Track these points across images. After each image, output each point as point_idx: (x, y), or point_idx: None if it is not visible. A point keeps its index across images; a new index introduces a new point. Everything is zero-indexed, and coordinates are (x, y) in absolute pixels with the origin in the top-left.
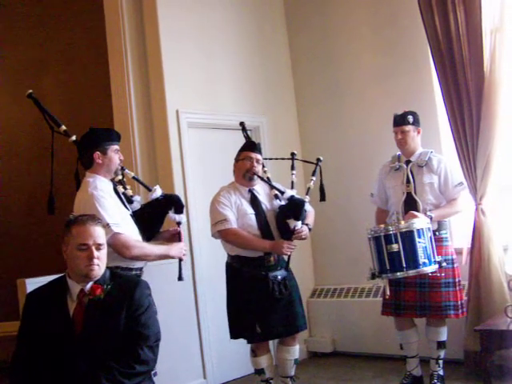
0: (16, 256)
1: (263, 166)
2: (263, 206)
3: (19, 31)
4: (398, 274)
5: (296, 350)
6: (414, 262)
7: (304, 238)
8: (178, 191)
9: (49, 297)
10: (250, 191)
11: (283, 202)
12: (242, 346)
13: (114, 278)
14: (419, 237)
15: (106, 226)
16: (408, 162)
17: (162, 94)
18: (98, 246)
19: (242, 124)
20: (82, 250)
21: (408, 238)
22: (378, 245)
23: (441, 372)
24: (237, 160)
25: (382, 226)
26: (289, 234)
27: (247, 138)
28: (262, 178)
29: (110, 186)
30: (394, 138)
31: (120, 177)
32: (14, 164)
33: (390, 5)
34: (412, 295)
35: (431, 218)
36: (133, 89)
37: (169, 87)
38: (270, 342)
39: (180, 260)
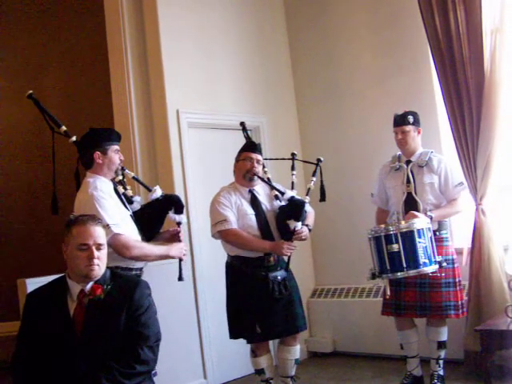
0: (16, 256)
1: (263, 167)
2: (263, 207)
3: (20, 32)
4: (399, 274)
5: (297, 350)
6: (414, 262)
7: (304, 239)
8: (178, 191)
9: (49, 297)
10: (251, 192)
11: (283, 203)
12: (242, 346)
13: (114, 278)
14: (419, 237)
15: (106, 227)
16: (408, 162)
17: (162, 93)
18: (99, 246)
19: (242, 124)
20: (83, 250)
21: (408, 238)
22: (379, 245)
23: (441, 372)
24: (237, 160)
25: (383, 226)
26: (289, 235)
27: (247, 138)
28: (262, 179)
29: (111, 186)
30: (394, 138)
31: (120, 177)
32: (15, 164)
33: (390, 5)
34: (412, 295)
35: (431, 218)
36: (133, 89)
37: (169, 87)
38: (270, 342)
39: (180, 260)
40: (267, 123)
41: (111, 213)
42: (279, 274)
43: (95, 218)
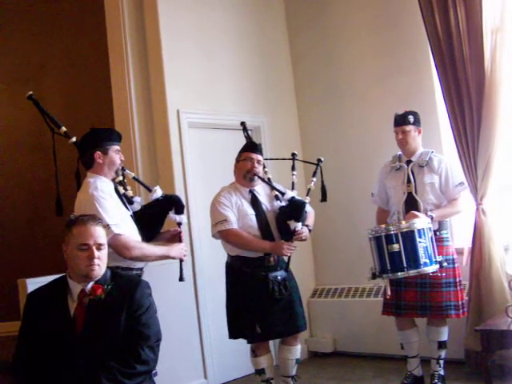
0: (17, 256)
1: (264, 167)
2: (264, 207)
3: (19, 31)
4: (399, 273)
5: (298, 350)
6: (414, 261)
7: (304, 240)
8: (179, 191)
9: (49, 297)
10: (251, 192)
11: (284, 203)
12: (243, 345)
13: (115, 278)
14: (420, 237)
15: (106, 227)
16: (409, 162)
17: (162, 94)
18: (99, 246)
19: (242, 124)
20: (83, 249)
21: (409, 237)
22: (379, 245)
23: (441, 372)
24: (237, 160)
25: (383, 225)
26: (289, 235)
27: (248, 137)
28: (262, 179)
29: (111, 186)
30: (394, 137)
31: (121, 178)
32: (15, 164)
33: (390, 5)
34: (413, 295)
35: (432, 218)
36: (133, 89)
37: (169, 87)
38: (271, 342)
39: (181, 261)
40: (267, 123)
41: (111, 213)
42: (279, 274)
43: (96, 218)
